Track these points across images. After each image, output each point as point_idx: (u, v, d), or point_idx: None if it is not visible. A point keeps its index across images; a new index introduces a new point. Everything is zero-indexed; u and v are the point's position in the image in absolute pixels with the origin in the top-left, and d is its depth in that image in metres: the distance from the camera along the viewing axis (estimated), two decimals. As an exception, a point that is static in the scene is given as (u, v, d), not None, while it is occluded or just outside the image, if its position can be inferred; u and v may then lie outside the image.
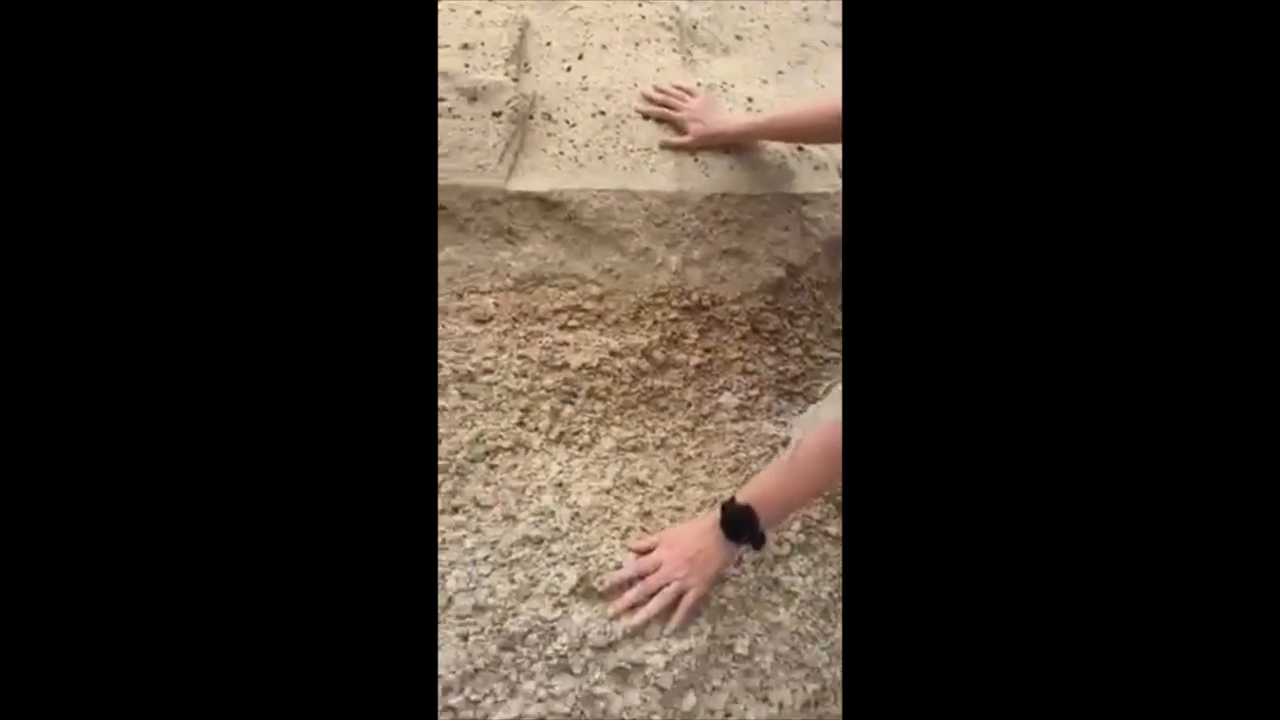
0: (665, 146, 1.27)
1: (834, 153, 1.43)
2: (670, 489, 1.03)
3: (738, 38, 1.58)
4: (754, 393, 1.24)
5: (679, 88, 1.30)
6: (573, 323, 1.15)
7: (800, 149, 1.37)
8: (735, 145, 1.30)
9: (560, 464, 1.00)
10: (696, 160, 1.29)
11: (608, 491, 0.96)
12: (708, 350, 1.23)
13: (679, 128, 1.26)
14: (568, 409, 1.06)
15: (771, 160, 1.33)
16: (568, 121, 1.27)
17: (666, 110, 1.28)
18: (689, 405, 1.16)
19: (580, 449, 1.03)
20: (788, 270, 1.34)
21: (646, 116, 1.29)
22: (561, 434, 1.04)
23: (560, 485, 0.96)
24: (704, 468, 1.09)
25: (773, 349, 1.31)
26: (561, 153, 1.24)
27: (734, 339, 1.27)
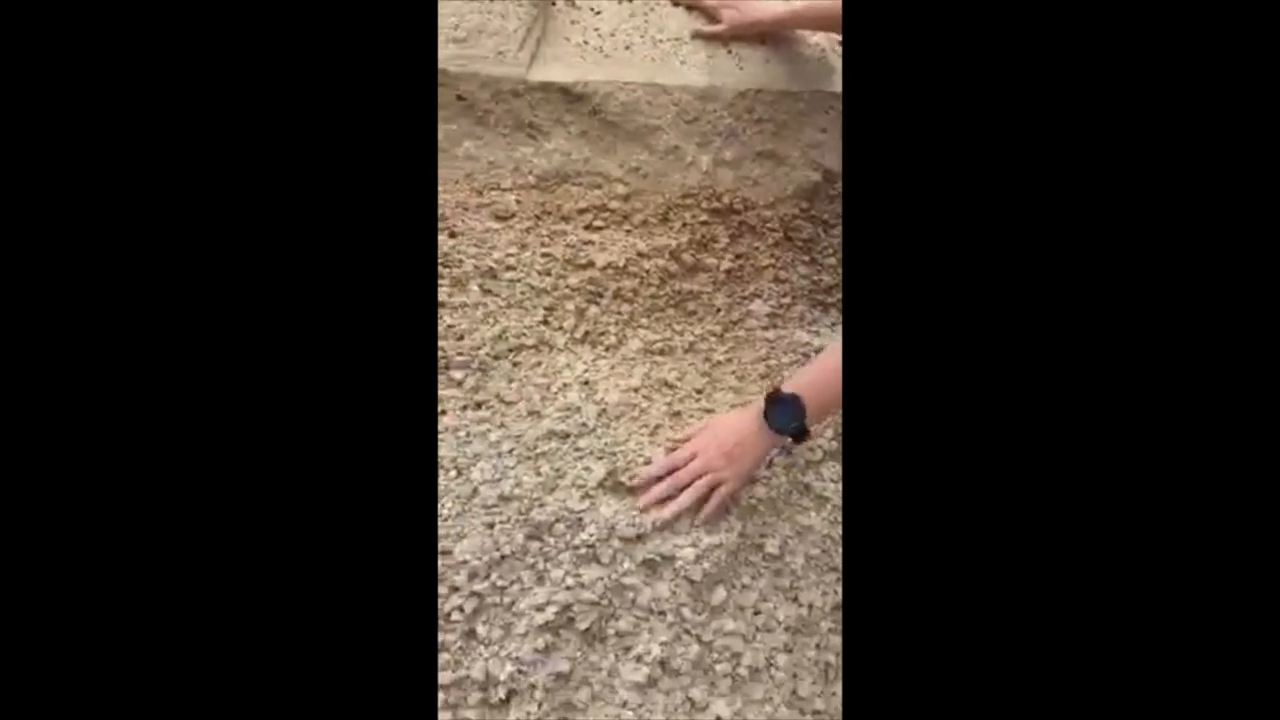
0: (697, 36, 1.18)
1: (876, 49, 1.33)
2: (699, 392, 0.99)
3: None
4: (786, 300, 1.19)
5: None
6: (598, 222, 1.10)
7: (841, 44, 1.28)
8: (772, 36, 1.22)
9: (586, 363, 0.96)
10: (730, 53, 1.20)
11: (636, 390, 0.93)
12: (738, 256, 1.18)
13: (712, 15, 1.17)
14: (593, 309, 1.02)
15: (811, 54, 1.24)
16: (592, 8, 1.19)
17: (701, 1, 1.19)
18: (718, 310, 1.11)
19: (606, 350, 0.99)
20: (824, 175, 1.26)
21: (677, 3, 1.21)
22: (587, 334, 1.00)
23: (587, 383, 0.93)
24: (734, 373, 1.05)
25: (806, 258, 1.25)
26: (586, 42, 1.16)
27: (766, 245, 1.21)
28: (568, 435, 0.85)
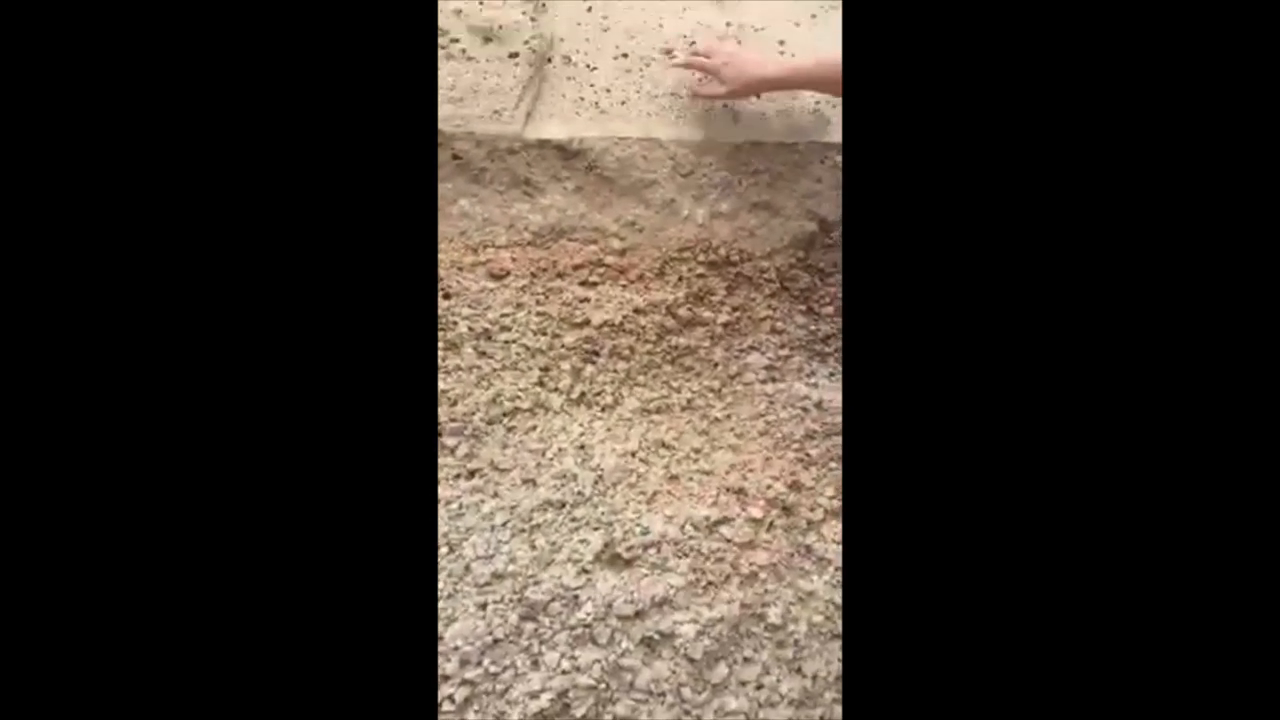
0: (699, 96, 1.18)
1: (870, 99, 1.33)
2: (697, 451, 0.97)
3: (768, -22, 1.47)
4: (784, 353, 1.17)
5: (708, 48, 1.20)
6: (594, 278, 1.09)
7: (843, 94, 1.28)
8: (768, 92, 1.22)
9: (582, 425, 0.94)
10: (725, 107, 1.20)
11: (632, 454, 0.91)
12: (735, 308, 1.16)
13: (712, 74, 1.17)
14: (589, 368, 1.00)
15: (804, 107, 1.24)
16: (589, 65, 1.19)
17: (700, 61, 1.19)
18: (716, 365, 1.09)
19: (603, 410, 0.98)
20: (820, 225, 1.26)
21: (674, 63, 1.21)
22: (583, 394, 0.98)
23: (582, 448, 0.91)
24: (732, 429, 1.03)
25: (803, 308, 1.24)
26: (582, 98, 1.16)
27: (763, 296, 1.20)
28: (563, 504, 0.83)
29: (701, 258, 1.15)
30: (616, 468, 0.87)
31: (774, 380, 1.12)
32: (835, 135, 1.27)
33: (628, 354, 1.03)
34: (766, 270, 1.21)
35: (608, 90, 1.17)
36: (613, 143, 1.13)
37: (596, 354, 1.01)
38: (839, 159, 1.27)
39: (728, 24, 1.27)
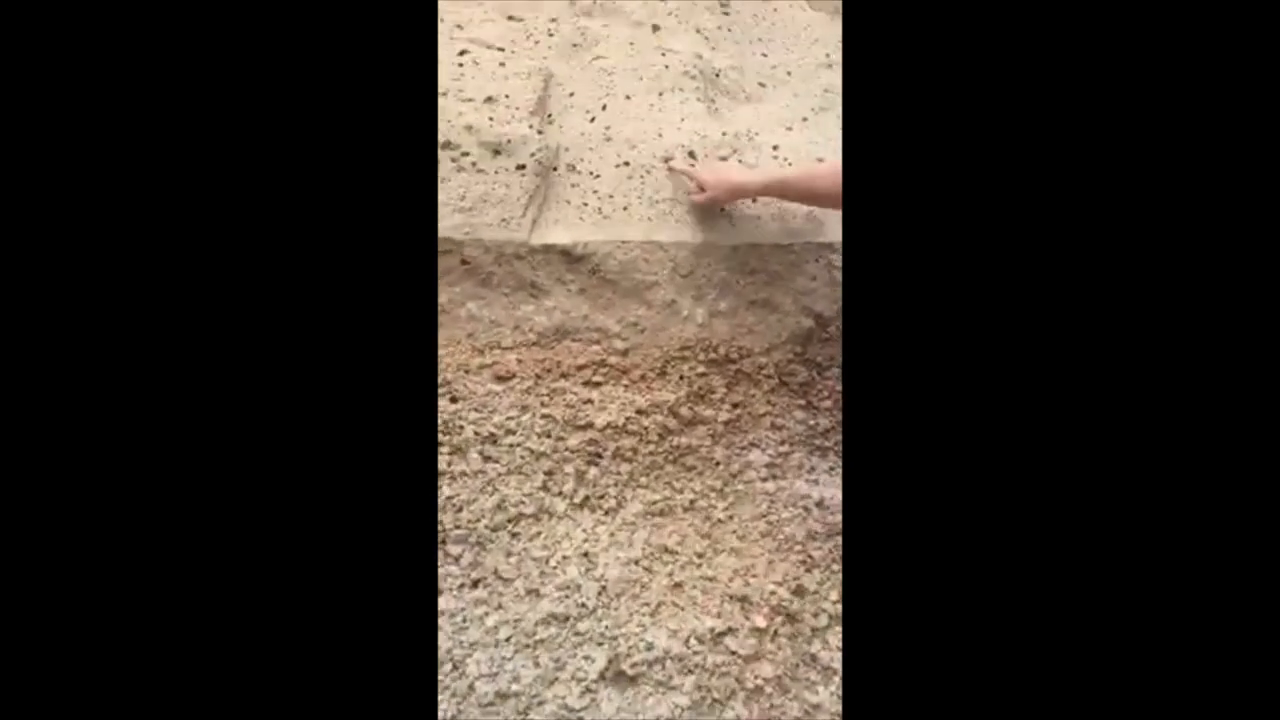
0: (692, 200, 1.23)
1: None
2: (700, 556, 0.97)
3: (761, 85, 1.55)
4: (784, 449, 1.18)
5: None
6: (597, 378, 1.11)
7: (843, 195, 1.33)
8: (763, 199, 1.27)
9: (585, 531, 0.94)
10: (723, 211, 1.25)
11: (636, 562, 0.91)
12: (736, 405, 1.18)
13: (700, 183, 1.23)
14: (593, 470, 1.01)
15: (799, 210, 1.29)
16: (592, 173, 1.24)
17: (689, 170, 1.24)
18: (718, 464, 1.11)
19: (606, 513, 0.98)
20: (816, 320, 1.29)
21: (670, 170, 1.26)
22: (586, 498, 0.99)
23: (586, 555, 0.91)
24: (735, 531, 1.03)
25: (802, 402, 1.26)
26: (585, 204, 1.21)
27: (762, 393, 1.22)
28: (567, 618, 0.83)
29: (702, 356, 1.18)
30: (620, 578, 0.87)
31: (775, 478, 1.13)
32: (830, 235, 1.31)
33: (630, 455, 1.04)
34: (765, 366, 1.24)
35: (611, 196, 1.22)
36: (615, 246, 1.18)
37: (600, 456, 1.02)
38: (834, 258, 1.32)
39: (724, 133, 1.33)
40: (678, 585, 0.90)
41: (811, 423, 1.24)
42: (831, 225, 1.32)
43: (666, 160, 1.27)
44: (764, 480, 1.12)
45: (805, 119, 1.52)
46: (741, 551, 0.98)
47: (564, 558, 0.89)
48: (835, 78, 1.64)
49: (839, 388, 1.32)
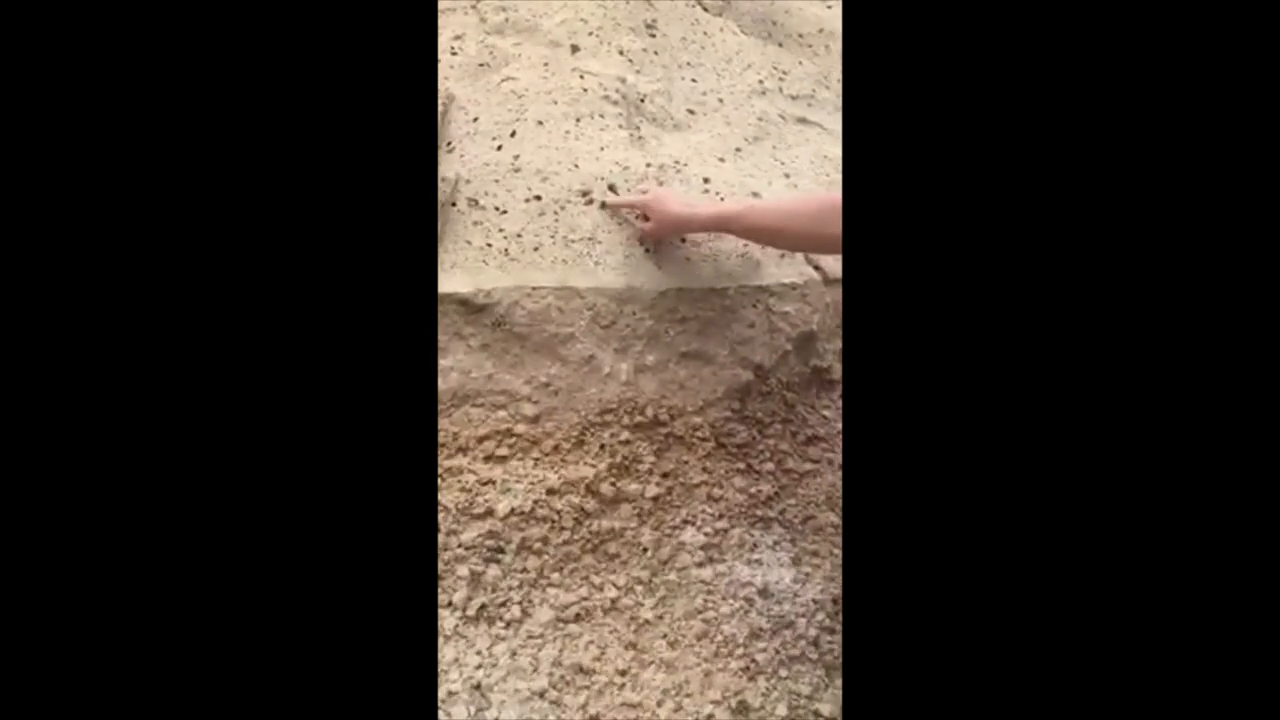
0: (641, 230, 1.07)
1: (801, 238, 1.26)
2: (623, 675, 0.79)
3: (690, 112, 1.42)
4: (721, 525, 1.02)
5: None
6: (501, 452, 0.93)
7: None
8: (692, 234, 1.12)
9: (480, 654, 0.76)
10: (648, 252, 1.10)
11: (541, 694, 0.73)
12: (665, 475, 1.02)
13: (642, 211, 1.07)
14: (492, 571, 0.83)
15: (732, 249, 1.15)
16: (497, 208, 1.07)
17: (630, 199, 1.09)
18: (645, 550, 0.93)
19: (507, 626, 0.80)
20: (755, 372, 1.14)
21: (604, 206, 1.11)
22: (483, 608, 0.80)
23: (478, 688, 0.72)
24: (665, 636, 0.86)
25: (741, 466, 1.11)
26: (490, 244, 1.04)
27: (696, 459, 1.06)
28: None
29: (626, 420, 1.01)
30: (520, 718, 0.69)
31: (712, 561, 0.97)
32: (766, 278, 1.17)
33: (539, 547, 0.86)
34: (699, 427, 1.08)
35: (519, 236, 1.05)
36: (524, 294, 1.00)
37: (501, 551, 0.84)
38: (772, 302, 1.18)
39: (648, 164, 1.19)
40: (594, 718, 0.72)
41: (753, 490, 1.09)
42: (769, 266, 1.19)
43: (584, 194, 1.11)
44: (699, 565, 0.95)
45: (739, 149, 1.39)
46: (673, 664, 0.81)
47: (450, 693, 0.70)
48: (769, 105, 1.52)
49: (781, 446, 1.17)
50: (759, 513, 1.07)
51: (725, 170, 1.30)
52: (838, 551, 1.09)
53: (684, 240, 1.12)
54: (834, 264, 1.28)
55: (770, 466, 1.13)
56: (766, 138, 1.45)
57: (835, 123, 1.63)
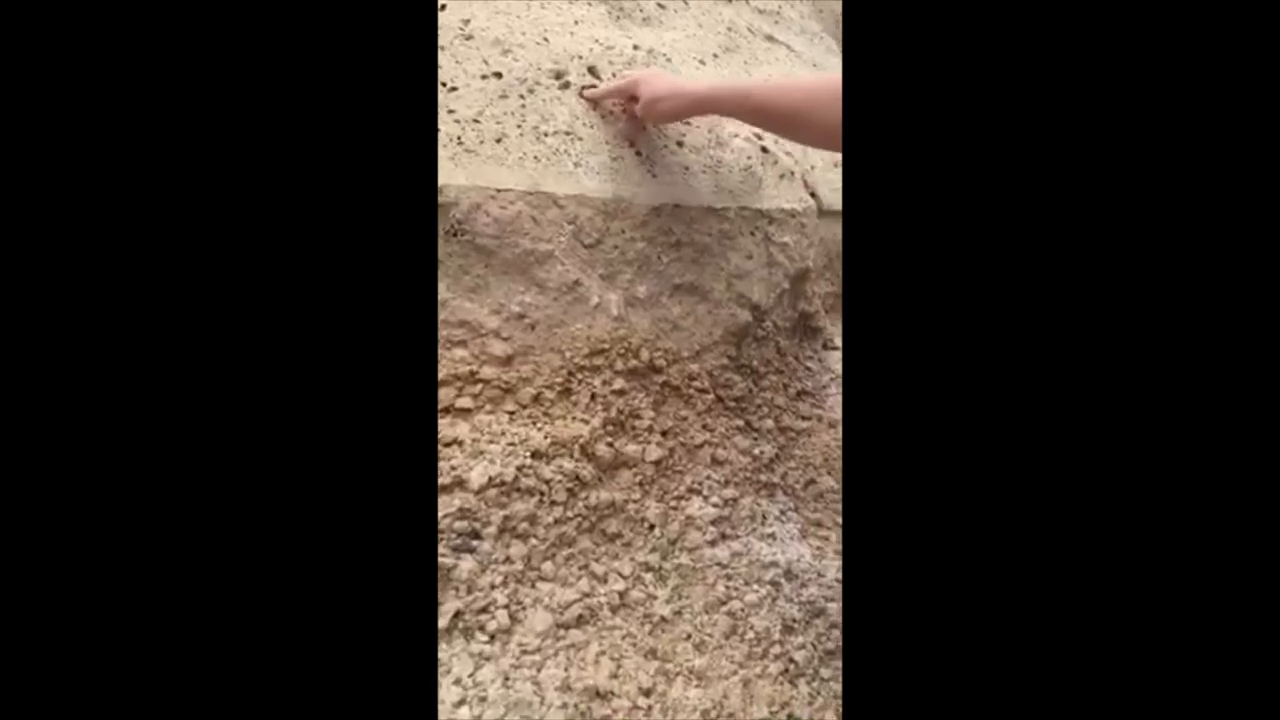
0: (624, 122, 0.84)
1: (801, 160, 1.08)
2: (648, 695, 0.60)
3: (660, 6, 1.19)
4: (729, 493, 0.84)
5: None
6: (463, 402, 0.69)
7: (765, 150, 1.01)
8: (693, 140, 0.91)
9: (463, 683, 0.53)
10: (640, 154, 0.87)
11: (556, 737, 0.51)
12: (666, 434, 0.82)
13: (629, 94, 0.84)
14: (466, 564, 0.60)
15: (736, 162, 0.95)
16: (444, 83, 0.80)
17: (613, 85, 0.85)
18: (651, 528, 0.74)
19: (492, 640, 0.57)
20: (752, 312, 0.97)
21: (583, 94, 0.86)
22: (458, 617, 0.57)
23: (466, 737, 0.50)
24: (689, 636, 0.67)
25: (740, 423, 0.93)
26: (439, 129, 0.77)
27: (695, 414, 0.87)
28: None
29: (620, 364, 0.80)
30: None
31: (725, 538, 0.79)
32: (767, 202, 0.99)
33: (525, 530, 0.64)
34: (696, 376, 0.89)
35: (475, 121, 0.79)
36: (487, 197, 0.75)
37: (477, 537, 0.61)
38: (771, 230, 1.00)
39: (635, 46, 0.95)
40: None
41: (755, 451, 0.92)
42: (769, 187, 1.00)
43: (558, 75, 0.87)
44: (712, 544, 0.77)
45: (715, 55, 1.19)
46: (705, 674, 0.62)
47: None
48: (736, 16, 1.33)
49: (777, 400, 1.01)
50: (763, 478, 0.90)
51: (706, 74, 1.09)
52: (839, 520, 0.95)
53: (680, 144, 0.91)
54: (828, 194, 1.12)
55: (770, 424, 0.96)
56: (738, 50, 1.26)
57: (803, 45, 1.47)
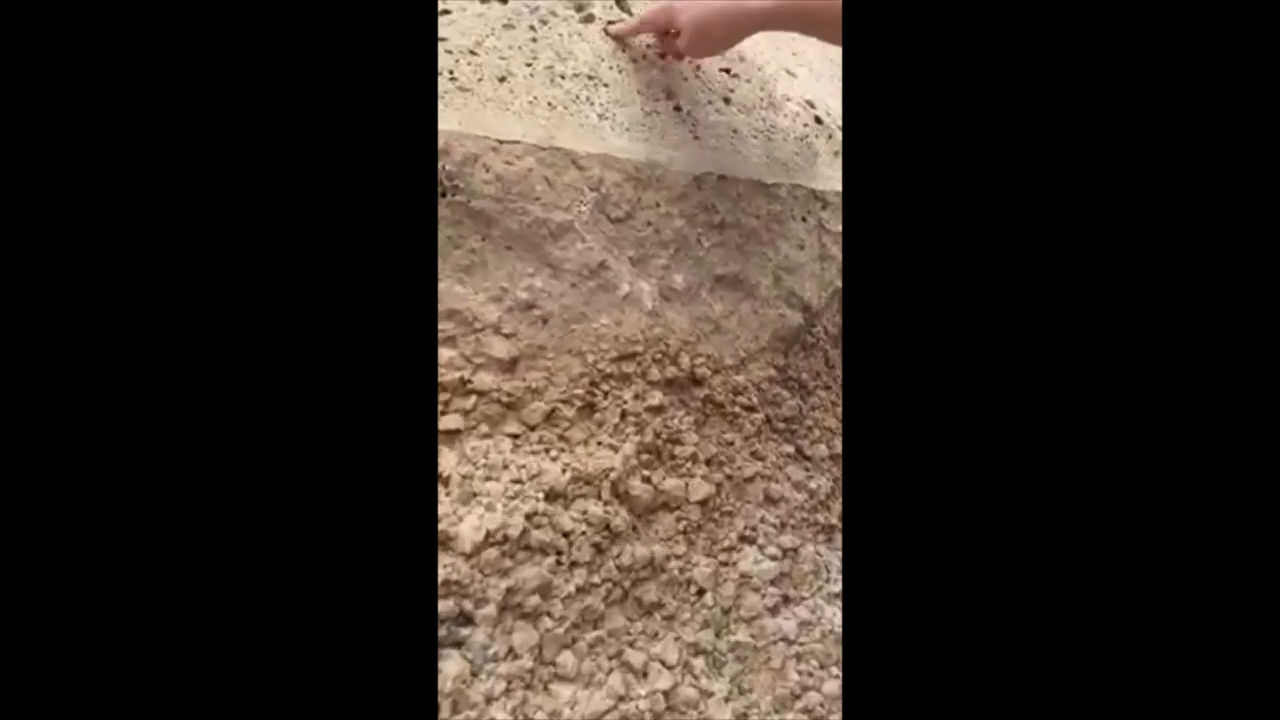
0: (663, 53, 0.66)
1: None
2: None
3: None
4: (787, 540, 0.66)
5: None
6: (451, 421, 0.50)
7: (819, 121, 0.84)
8: (742, 97, 0.73)
9: None
10: (679, 110, 0.69)
11: None
12: (710, 463, 0.63)
13: (669, 25, 0.65)
14: (450, 666, 0.40)
15: (791, 128, 0.78)
16: (441, 8, 0.62)
17: (647, 20, 0.66)
18: (700, 592, 0.55)
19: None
20: (803, 314, 0.79)
21: (614, 35, 0.68)
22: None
23: None
24: (759, 753, 0.48)
25: (790, 449, 0.75)
26: (424, 55, 0.58)
27: (743, 437, 0.69)
28: None
29: (655, 373, 0.61)
30: None
31: (788, 602, 0.60)
32: (822, 182, 0.82)
33: (537, 607, 0.45)
34: (743, 390, 0.70)
35: (471, 54, 0.61)
36: (488, 148, 0.57)
37: (468, 623, 0.41)
38: (825, 216, 0.82)
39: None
40: None
41: (812, 485, 0.73)
42: (825, 162, 0.83)
43: (579, 8, 0.68)
44: (773, 612, 0.58)
45: None
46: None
47: None
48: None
49: (827, 423, 0.83)
50: (820, 518, 0.72)
51: None
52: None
53: (728, 101, 0.73)
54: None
55: (823, 450, 0.78)
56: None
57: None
